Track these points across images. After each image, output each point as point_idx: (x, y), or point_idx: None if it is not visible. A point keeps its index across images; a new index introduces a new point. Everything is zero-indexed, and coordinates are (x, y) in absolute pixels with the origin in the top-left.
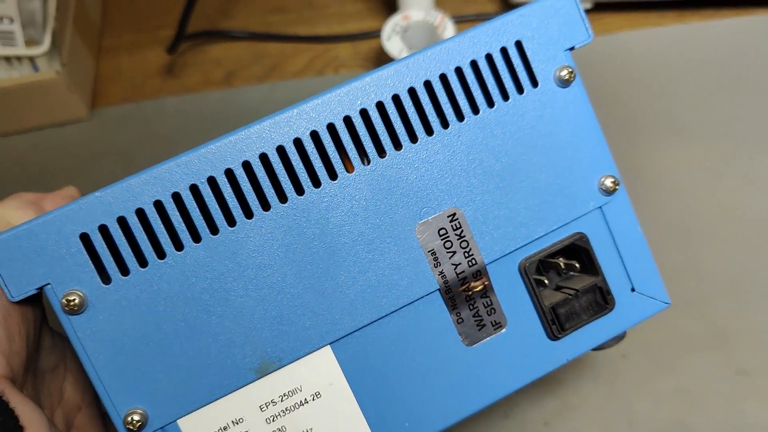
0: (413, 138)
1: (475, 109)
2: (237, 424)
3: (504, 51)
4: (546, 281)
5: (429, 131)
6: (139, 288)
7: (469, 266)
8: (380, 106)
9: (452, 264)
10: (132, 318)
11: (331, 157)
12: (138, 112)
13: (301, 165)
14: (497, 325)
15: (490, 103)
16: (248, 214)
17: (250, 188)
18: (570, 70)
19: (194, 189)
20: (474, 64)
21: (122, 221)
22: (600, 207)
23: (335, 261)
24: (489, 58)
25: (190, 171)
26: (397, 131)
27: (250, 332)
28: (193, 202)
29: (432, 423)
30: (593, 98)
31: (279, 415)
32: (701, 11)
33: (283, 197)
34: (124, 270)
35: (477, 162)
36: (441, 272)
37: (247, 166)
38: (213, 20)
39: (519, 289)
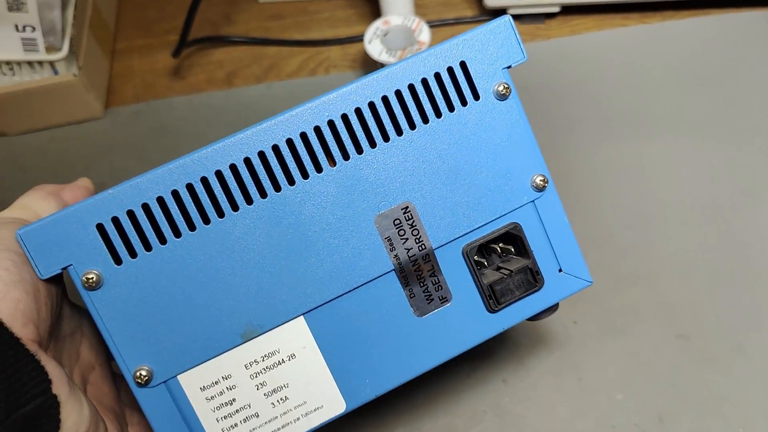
0: (372, 144)
1: (425, 119)
2: (226, 379)
3: (450, 70)
4: (486, 263)
5: (386, 138)
6: (145, 268)
7: (420, 250)
8: (344, 117)
9: (405, 248)
10: (139, 292)
11: (303, 160)
12: (148, 110)
13: (278, 166)
14: (444, 300)
15: (438, 114)
16: (234, 207)
17: (236, 186)
18: (506, 85)
19: (190, 187)
20: (424, 82)
21: (131, 213)
22: (532, 201)
23: (307, 245)
24: (437, 76)
25: (186, 172)
26: (359, 138)
27: (236, 304)
28: (189, 197)
29: (389, 380)
30: (563, 95)
31: (261, 372)
32: (662, 12)
33: (263, 193)
34: (133, 253)
35: (426, 163)
36: (395, 255)
37: (233, 168)
38: (217, 26)
39: (462, 270)
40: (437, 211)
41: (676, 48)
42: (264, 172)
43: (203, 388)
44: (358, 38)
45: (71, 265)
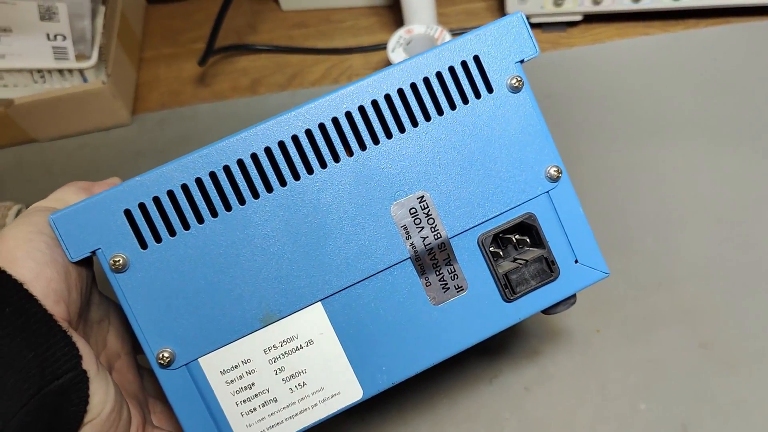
0: (388, 134)
1: (440, 111)
2: (246, 363)
3: (464, 64)
4: (502, 255)
5: (401, 129)
6: (169, 252)
7: (435, 239)
8: (361, 109)
9: (421, 237)
10: (163, 276)
11: (321, 149)
12: (174, 117)
13: (297, 156)
14: (460, 288)
15: (453, 106)
16: (255, 195)
17: (257, 174)
18: (519, 78)
19: (213, 175)
20: (439, 75)
21: (156, 200)
22: (547, 192)
23: (324, 233)
24: (452, 70)
25: (210, 161)
26: (375, 129)
27: (256, 289)
28: (212, 185)
29: (406, 368)
30: (585, 102)
31: (279, 357)
32: (685, 21)
33: (283, 182)
34: (158, 238)
35: (441, 154)
36: (411, 244)
37: (254, 157)
38: (241, 34)
39: (477, 259)
40: (452, 201)
41: (699, 56)
42: (284, 161)
43: (223, 372)
44: (381, 47)
45: (99, 248)
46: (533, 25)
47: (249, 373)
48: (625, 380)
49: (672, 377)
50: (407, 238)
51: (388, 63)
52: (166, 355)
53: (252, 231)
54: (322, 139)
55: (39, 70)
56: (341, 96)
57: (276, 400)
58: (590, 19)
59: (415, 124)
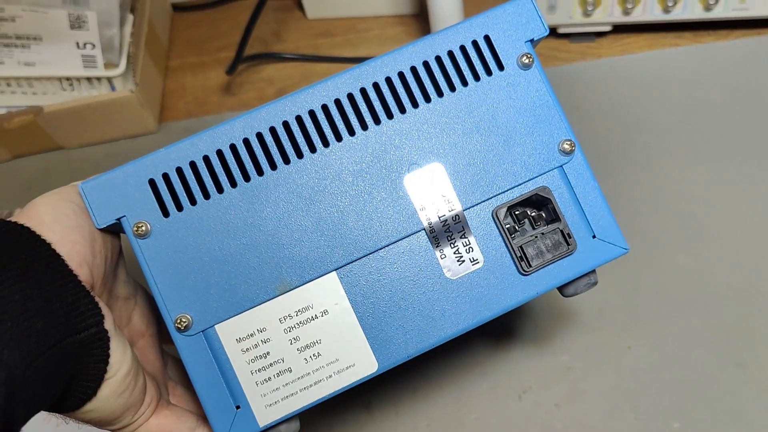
0: (402, 110)
1: (452, 88)
2: (261, 332)
3: (475, 43)
4: (518, 229)
5: (415, 104)
6: (190, 221)
7: (449, 211)
8: (376, 85)
9: (435, 208)
10: (183, 243)
11: (337, 124)
12: (200, 126)
13: (314, 129)
14: (475, 261)
15: (464, 83)
16: (273, 166)
17: (275, 146)
18: (529, 55)
19: (233, 147)
20: (450, 54)
21: (179, 171)
22: (561, 166)
23: (340, 204)
24: (463, 48)
25: (230, 134)
26: (389, 104)
27: (272, 258)
28: (232, 157)
29: (421, 341)
30: (614, 114)
31: (294, 326)
32: (716, 32)
33: (300, 154)
34: (179, 206)
35: (455, 128)
36: (426, 215)
37: (272, 130)
38: (267, 43)
39: (492, 232)
40: (465, 173)
41: (730, 68)
42: (300, 134)
43: (239, 340)
44: None
45: (124, 216)
46: (562, 35)
47: (264, 342)
48: (659, 399)
49: (706, 397)
50: (421, 210)
51: None
52: (183, 320)
53: (269, 201)
54: (338, 114)
55: (68, 78)
56: (357, 74)
57: (290, 370)
58: (619, 29)
59: (428, 99)
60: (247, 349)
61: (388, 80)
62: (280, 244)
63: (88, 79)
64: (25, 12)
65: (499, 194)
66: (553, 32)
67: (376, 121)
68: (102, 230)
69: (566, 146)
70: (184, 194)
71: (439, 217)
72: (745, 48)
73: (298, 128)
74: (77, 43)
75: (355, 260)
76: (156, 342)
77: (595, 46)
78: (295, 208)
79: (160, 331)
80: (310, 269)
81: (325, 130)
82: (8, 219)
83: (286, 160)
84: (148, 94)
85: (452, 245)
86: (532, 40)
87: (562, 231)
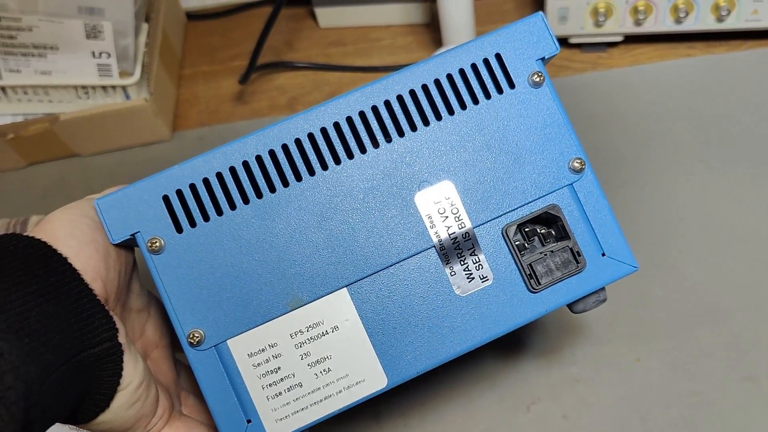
0: (413, 128)
1: (464, 106)
2: (272, 347)
3: (486, 61)
4: (528, 247)
5: (426, 122)
6: (203, 236)
7: (459, 228)
8: (387, 103)
9: (445, 226)
10: (196, 259)
11: (348, 141)
12: (213, 134)
13: (326, 147)
14: (485, 279)
15: (476, 101)
16: (285, 183)
17: (287, 164)
18: (540, 74)
19: (246, 164)
20: (462, 72)
21: (193, 187)
22: (571, 184)
23: (351, 221)
24: (474, 67)
25: (243, 151)
26: (401, 122)
27: (283, 274)
28: (245, 173)
29: (431, 357)
30: (625, 125)
31: (305, 342)
32: (728, 42)
33: (311, 171)
34: (193, 222)
35: (465, 145)
36: (436, 233)
37: (284, 147)
38: (279, 52)
39: (502, 249)
40: (476, 191)
41: (742, 79)
42: (313, 152)
43: (251, 354)
44: None
45: (138, 231)
46: (573, 46)
47: (275, 357)
48: (667, 412)
49: (716, 411)
50: (431, 227)
51: None
52: (196, 335)
53: (281, 217)
54: (350, 131)
55: (83, 87)
56: (369, 91)
57: (301, 385)
58: (631, 39)
59: (439, 117)
60: (258, 364)
61: (400, 98)
62: (292, 260)
63: (104, 87)
64: (41, 22)
65: (509, 212)
66: (565, 42)
67: (388, 138)
68: (116, 245)
69: (576, 164)
70: (198, 210)
71: (449, 235)
72: (758, 59)
73: (310, 145)
74: (93, 53)
75: (366, 277)
76: (169, 352)
77: (607, 57)
78: (307, 225)
79: (173, 341)
80: (321, 285)
81: (337, 147)
82: (24, 231)
83: (299, 177)
84: (162, 102)
85: (462, 262)
86: (543, 59)
87: (571, 249)
